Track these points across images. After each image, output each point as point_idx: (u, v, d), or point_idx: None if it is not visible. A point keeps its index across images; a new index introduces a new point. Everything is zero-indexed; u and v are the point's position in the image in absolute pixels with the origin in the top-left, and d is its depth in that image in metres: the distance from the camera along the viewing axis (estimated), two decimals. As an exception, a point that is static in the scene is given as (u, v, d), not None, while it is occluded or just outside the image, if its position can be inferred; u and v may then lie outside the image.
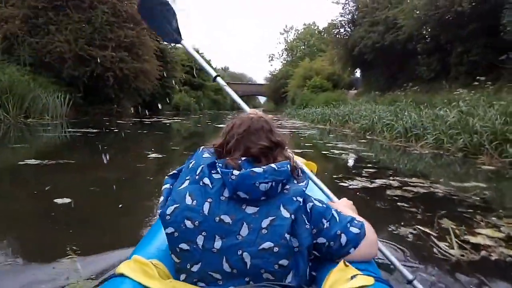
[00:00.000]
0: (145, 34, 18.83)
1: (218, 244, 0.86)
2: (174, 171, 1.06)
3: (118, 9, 17.58)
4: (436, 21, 14.67)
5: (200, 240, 0.87)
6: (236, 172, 0.87)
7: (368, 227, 1.01)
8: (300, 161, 1.43)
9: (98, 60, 16.77)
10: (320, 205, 0.95)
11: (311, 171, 1.50)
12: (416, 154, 6.70)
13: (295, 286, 0.83)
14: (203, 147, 1.05)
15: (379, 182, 3.74)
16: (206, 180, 0.91)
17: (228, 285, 0.86)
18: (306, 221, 0.89)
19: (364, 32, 20.49)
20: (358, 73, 32.81)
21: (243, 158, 0.94)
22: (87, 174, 3.98)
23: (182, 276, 0.90)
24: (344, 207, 1.18)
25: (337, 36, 24.80)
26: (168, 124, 14.31)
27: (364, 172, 4.32)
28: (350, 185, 3.57)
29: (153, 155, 5.42)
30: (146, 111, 24.61)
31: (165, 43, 27.93)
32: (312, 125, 15.99)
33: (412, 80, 17.95)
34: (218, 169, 0.90)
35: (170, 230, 0.89)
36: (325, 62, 33.98)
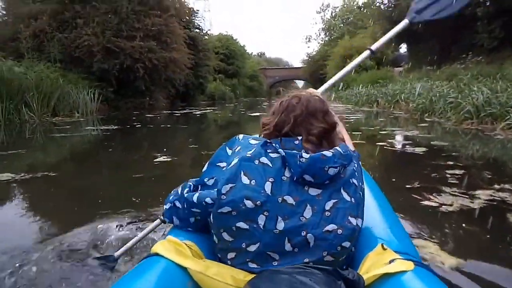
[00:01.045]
0: (173, 21, 18.00)
1: (280, 225, 0.85)
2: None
3: (144, -4, 16.83)
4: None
5: (261, 220, 0.85)
6: (306, 155, 0.86)
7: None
8: None
9: (127, 51, 16.19)
10: (360, 185, 0.94)
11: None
12: (500, 139, 5.19)
13: (330, 269, 0.75)
14: (241, 135, 1.03)
15: (483, 195, 2.42)
16: (264, 160, 0.89)
17: (283, 264, 0.85)
18: (359, 203, 0.90)
19: None
20: (403, 49, 30.45)
21: (299, 138, 0.93)
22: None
23: (231, 255, 0.89)
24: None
25: (381, 7, 22.52)
26: (198, 115, 13.36)
27: (448, 175, 3.01)
28: (439, 204, 2.28)
29: (161, 158, 4.35)
30: (180, 102, 24.23)
31: (196, 30, 27.19)
32: (356, 107, 14.42)
33: (470, 51, 15.80)
34: (280, 149, 0.88)
35: (226, 209, 0.87)
36: (367, 39, 31.63)
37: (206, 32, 28.37)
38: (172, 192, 1.09)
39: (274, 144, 0.90)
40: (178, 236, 0.98)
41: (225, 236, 0.89)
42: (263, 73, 56.02)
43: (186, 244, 0.93)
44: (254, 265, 0.87)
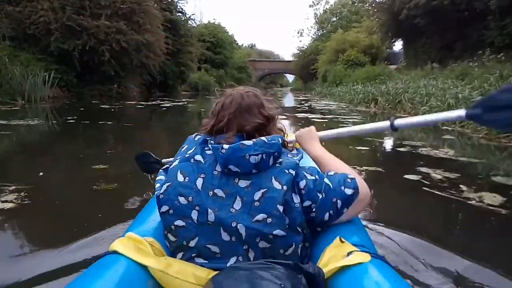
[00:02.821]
0: (148, 0, 15.86)
1: (211, 217, 0.86)
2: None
3: (113, -32, 14.68)
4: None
5: (194, 215, 0.86)
6: (226, 146, 0.88)
7: (360, 181, 0.98)
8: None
9: (91, 31, 14.05)
10: (313, 178, 0.92)
11: None
12: None
13: (291, 263, 0.75)
14: (196, 133, 1.03)
15: None
16: (198, 157, 0.91)
17: (226, 257, 0.86)
18: (297, 197, 0.88)
19: (415, -11, 16.53)
20: (397, 46, 28.89)
21: (231, 134, 0.94)
22: None
23: (179, 255, 0.88)
24: (310, 139, 1.23)
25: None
26: (165, 108, 11.24)
27: None
28: None
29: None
30: (158, 91, 22.11)
31: (178, 14, 25.01)
32: (351, 106, 12.64)
33: (476, 49, 14.22)
34: (210, 145, 0.91)
35: (164, 208, 0.89)
36: (361, 34, 30.03)
37: (189, 16, 26.15)
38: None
39: (209, 141, 0.93)
40: (138, 233, 0.93)
41: (170, 237, 0.89)
42: (252, 65, 53.93)
43: (146, 241, 0.89)
44: (201, 260, 0.86)
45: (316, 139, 1.23)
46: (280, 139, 0.92)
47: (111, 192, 2.37)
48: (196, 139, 0.98)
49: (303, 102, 16.26)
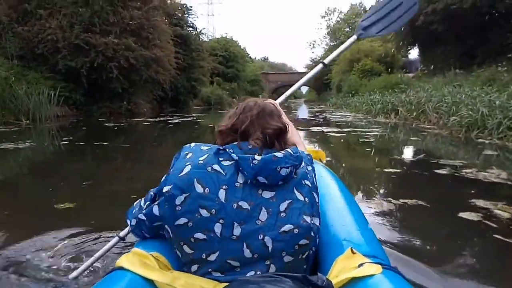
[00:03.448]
0: (155, 15, 15.62)
1: (237, 231, 0.84)
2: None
3: (121, -16, 14.49)
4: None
5: (217, 228, 0.84)
6: (258, 157, 0.86)
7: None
8: (307, 148, 1.39)
9: (98, 48, 13.81)
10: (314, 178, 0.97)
11: (320, 159, 1.57)
12: None
13: (299, 276, 0.74)
14: (193, 143, 1.00)
15: None
16: (217, 167, 0.88)
17: (245, 271, 0.84)
18: (312, 204, 0.91)
19: (432, -6, 15.82)
20: (412, 54, 28.05)
21: (253, 143, 0.93)
22: None
23: (194, 267, 0.87)
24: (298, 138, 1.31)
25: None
26: (171, 125, 10.68)
27: None
28: None
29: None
30: (169, 107, 21.80)
31: (189, 29, 24.85)
32: (369, 118, 11.91)
33: (500, 54, 13.39)
34: (234, 154, 0.88)
35: (183, 221, 0.85)
36: (375, 42, 29.38)
37: (200, 31, 25.97)
38: (134, 205, 1.04)
39: (228, 150, 0.90)
40: (144, 248, 0.93)
41: (186, 249, 0.87)
42: (265, 78, 53.64)
43: (152, 256, 0.90)
44: (218, 274, 0.85)
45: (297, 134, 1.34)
46: (299, 151, 0.93)
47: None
48: (202, 148, 0.95)
49: (317, 114, 15.58)
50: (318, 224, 0.89)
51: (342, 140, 6.27)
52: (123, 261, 0.86)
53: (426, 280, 1.39)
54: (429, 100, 9.37)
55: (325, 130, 7.76)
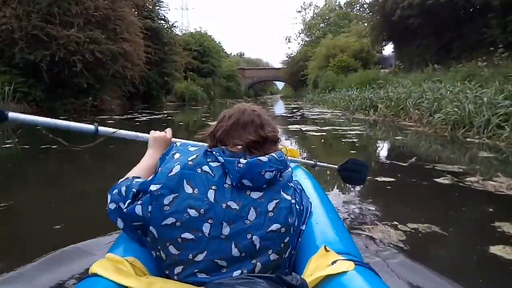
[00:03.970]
0: (123, 6, 14.69)
1: (226, 230, 0.84)
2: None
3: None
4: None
5: (206, 228, 0.84)
6: (243, 160, 0.87)
7: None
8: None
9: (60, 41, 12.80)
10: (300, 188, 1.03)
11: (294, 157, 1.64)
12: None
13: (273, 276, 0.75)
14: (179, 143, 1.04)
15: None
16: (206, 168, 0.88)
17: (232, 270, 0.84)
18: (298, 204, 0.94)
19: (409, -12, 15.62)
20: (386, 50, 28.16)
21: (239, 147, 0.94)
22: None
23: (178, 269, 0.85)
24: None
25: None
26: (138, 123, 9.85)
27: None
28: None
29: None
30: (141, 103, 20.81)
31: (161, 22, 23.86)
32: (347, 114, 11.55)
33: (476, 49, 13.36)
34: (220, 157, 0.89)
35: (170, 221, 0.84)
36: (351, 37, 29.31)
37: (173, 24, 24.99)
38: (118, 184, 0.99)
39: (214, 153, 0.91)
40: (118, 253, 0.90)
41: (172, 249, 0.85)
42: (241, 74, 52.89)
43: (127, 261, 0.86)
44: (203, 275, 0.84)
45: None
46: (284, 156, 0.95)
47: None
48: (190, 148, 0.96)
49: (294, 110, 15.14)
50: (300, 225, 0.93)
51: (322, 141, 5.78)
52: (97, 267, 0.83)
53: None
54: (409, 96, 9.07)
55: (303, 129, 7.26)
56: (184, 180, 0.86)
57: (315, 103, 19.88)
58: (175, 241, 0.84)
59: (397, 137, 5.84)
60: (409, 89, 9.83)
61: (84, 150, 2.78)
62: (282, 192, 0.90)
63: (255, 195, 0.87)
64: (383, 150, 5.32)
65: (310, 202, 1.05)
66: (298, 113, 13.26)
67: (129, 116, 11.86)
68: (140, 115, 12.44)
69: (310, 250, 0.91)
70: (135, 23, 15.66)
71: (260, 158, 0.88)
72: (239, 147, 0.93)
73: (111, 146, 4.57)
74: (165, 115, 12.95)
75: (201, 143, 1.07)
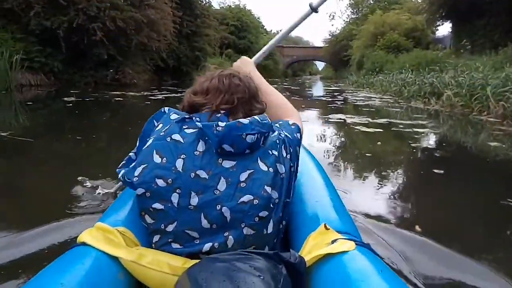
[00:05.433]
0: (149, -33, 13.22)
1: (194, 200, 0.82)
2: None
3: None
4: None
5: (175, 198, 0.82)
6: (222, 124, 0.84)
7: (298, 120, 1.09)
8: None
9: (79, 5, 11.61)
10: (285, 141, 0.93)
11: None
12: None
13: (270, 253, 0.73)
14: (167, 108, 0.98)
15: None
16: (176, 136, 0.87)
17: (204, 242, 0.82)
18: (282, 167, 0.88)
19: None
20: (440, 31, 25.10)
21: (222, 112, 0.91)
22: None
23: (156, 237, 0.84)
24: (246, 67, 1.28)
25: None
26: (148, 102, 8.43)
27: None
28: None
29: None
30: (170, 79, 19.62)
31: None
32: (400, 101, 9.58)
33: None
34: (198, 123, 0.86)
35: (140, 191, 0.83)
36: (403, 15, 26.45)
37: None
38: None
39: (194, 118, 0.88)
40: (109, 222, 0.88)
41: (147, 219, 0.85)
42: (279, 52, 50.64)
43: (118, 231, 0.85)
44: (177, 245, 0.83)
45: (251, 66, 1.30)
46: (268, 119, 0.91)
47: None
48: (172, 117, 0.93)
49: (335, 94, 13.21)
50: (276, 197, 0.85)
51: (379, 143, 4.04)
52: (85, 236, 0.81)
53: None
54: (486, 83, 7.05)
55: (349, 120, 5.50)
56: (154, 150, 0.85)
57: (359, 85, 17.73)
58: (148, 211, 0.83)
59: (492, 143, 3.99)
60: (486, 74, 7.74)
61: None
62: (259, 161, 0.85)
63: (227, 164, 0.84)
64: (498, 170, 3.04)
65: (298, 172, 0.99)
66: (340, 97, 11.39)
67: (147, 93, 10.55)
68: (163, 92, 11.10)
69: (308, 227, 0.89)
70: (164, -11, 14.21)
71: (240, 120, 0.85)
72: (223, 111, 0.90)
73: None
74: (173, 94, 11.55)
75: None
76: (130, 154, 0.98)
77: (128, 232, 0.86)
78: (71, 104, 7.20)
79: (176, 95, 10.67)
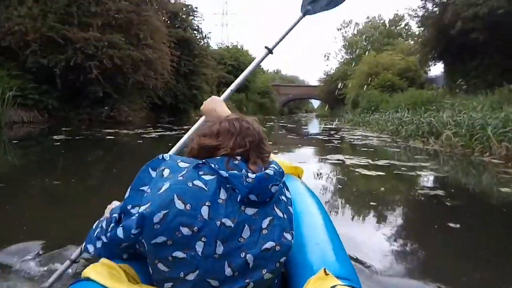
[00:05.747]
0: (148, 9, 13.50)
1: (220, 249, 0.80)
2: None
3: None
4: None
5: (199, 247, 0.80)
6: (252, 175, 0.84)
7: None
8: (287, 165, 1.43)
9: (77, 44, 11.70)
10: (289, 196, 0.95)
11: (298, 176, 1.53)
12: None
13: None
14: (167, 154, 0.96)
15: None
16: (198, 182, 0.83)
17: None
18: (292, 217, 0.90)
19: (472, -3, 13.35)
20: (432, 71, 25.64)
21: (239, 158, 0.90)
22: None
23: (168, 285, 0.82)
24: (216, 105, 1.30)
25: (424, 12, 17.69)
26: (140, 141, 8.32)
27: None
28: None
29: None
30: (167, 116, 19.59)
31: (194, 33, 22.81)
32: (398, 140, 9.44)
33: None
34: (222, 170, 0.84)
35: (161, 239, 0.79)
36: (396, 55, 27.09)
37: (205, 35, 23.89)
38: (96, 224, 0.98)
39: (212, 165, 0.85)
40: (113, 259, 0.89)
41: (161, 266, 0.82)
42: (276, 90, 51.47)
43: (121, 267, 0.87)
44: None
45: (220, 103, 1.32)
46: (281, 166, 0.92)
47: None
48: (180, 164, 0.90)
49: (332, 132, 13.12)
50: (292, 241, 0.86)
51: (382, 189, 3.79)
52: (90, 271, 0.82)
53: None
54: (486, 123, 6.94)
55: (348, 162, 5.28)
56: (175, 195, 0.80)
57: (355, 124, 17.73)
58: (165, 260, 0.80)
59: (503, 189, 3.75)
60: (485, 113, 7.66)
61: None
62: (275, 208, 0.86)
63: (250, 211, 0.83)
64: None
65: (300, 212, 1.05)
66: (337, 136, 11.27)
67: (144, 131, 10.38)
68: (157, 130, 10.95)
69: (308, 271, 0.89)
70: (161, 29, 14.45)
71: (267, 172, 0.86)
72: (239, 157, 0.89)
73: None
74: (183, 131, 11.39)
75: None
76: (114, 214, 0.92)
77: (130, 269, 0.88)
78: (59, 143, 6.96)
79: (170, 133, 10.52)
